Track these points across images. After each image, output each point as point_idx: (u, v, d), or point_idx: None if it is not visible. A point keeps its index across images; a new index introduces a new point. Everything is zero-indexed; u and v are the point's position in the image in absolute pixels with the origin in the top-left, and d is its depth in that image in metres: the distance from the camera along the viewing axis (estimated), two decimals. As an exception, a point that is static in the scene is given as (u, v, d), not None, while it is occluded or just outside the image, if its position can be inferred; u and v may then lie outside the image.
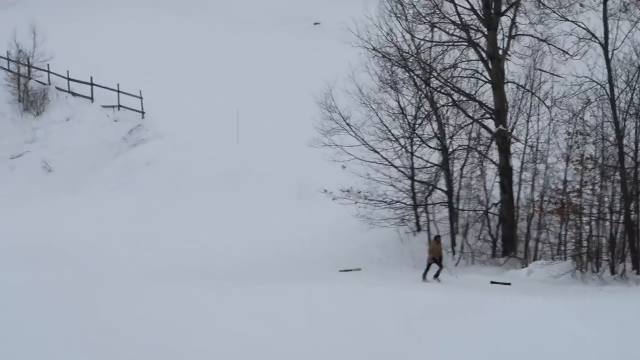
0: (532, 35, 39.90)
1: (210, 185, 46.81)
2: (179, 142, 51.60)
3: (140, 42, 63.15)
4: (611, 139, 34.91)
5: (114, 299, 23.79)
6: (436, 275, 31.53)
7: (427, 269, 31.89)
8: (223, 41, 63.59)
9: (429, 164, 40.99)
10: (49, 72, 58.29)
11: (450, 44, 41.08)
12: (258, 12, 71.50)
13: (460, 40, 40.73)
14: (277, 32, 67.00)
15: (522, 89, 39.52)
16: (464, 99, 40.27)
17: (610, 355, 16.26)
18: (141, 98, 56.07)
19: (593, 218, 34.51)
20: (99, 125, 55.14)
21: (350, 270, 35.40)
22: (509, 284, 30.65)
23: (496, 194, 39.68)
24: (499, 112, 38.74)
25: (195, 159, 49.53)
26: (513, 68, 40.44)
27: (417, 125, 41.06)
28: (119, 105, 57.10)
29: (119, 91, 56.47)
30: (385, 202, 39.85)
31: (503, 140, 38.46)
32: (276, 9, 72.07)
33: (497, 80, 38.93)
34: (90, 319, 21.90)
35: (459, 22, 40.00)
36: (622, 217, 33.56)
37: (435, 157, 41.22)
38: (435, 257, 32.03)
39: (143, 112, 56.48)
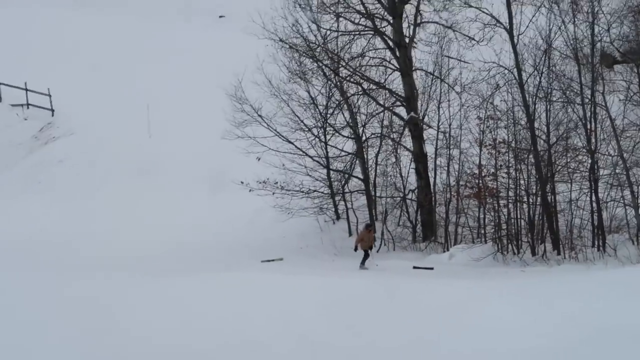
0: (437, 23, 38.43)
1: (124, 181, 44.85)
2: (90, 138, 49.29)
3: (44, 39, 60.79)
4: (522, 122, 33.72)
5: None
6: (362, 263, 29.55)
7: (365, 257, 29.58)
8: (128, 35, 61.37)
9: (343, 153, 39.40)
10: (-46, 72, 54.68)
11: (357, 33, 39.43)
12: (160, 6, 68.89)
13: (367, 29, 39.09)
14: (182, 25, 64.86)
15: (431, 76, 38.32)
16: (374, 87, 38.82)
17: (532, 333, 14.93)
18: (50, 96, 53.26)
19: (510, 201, 33.39)
20: (8, 125, 52.23)
21: (272, 260, 33.41)
22: (431, 268, 29.11)
23: (412, 180, 38.58)
24: (410, 99, 37.43)
25: (108, 155, 47.42)
26: (420, 55, 39.15)
27: (329, 115, 39.41)
28: (28, 104, 54.06)
29: (27, 90, 53.36)
30: (303, 191, 38.32)
31: (415, 127, 37.20)
32: (179, 2, 69.58)
33: (406, 68, 37.53)
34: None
35: (364, 12, 38.29)
36: (539, 199, 32.37)
37: (350, 146, 39.65)
38: (365, 246, 29.98)
39: (53, 110, 53.70)
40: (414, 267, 29.49)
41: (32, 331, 16.71)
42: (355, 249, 29.70)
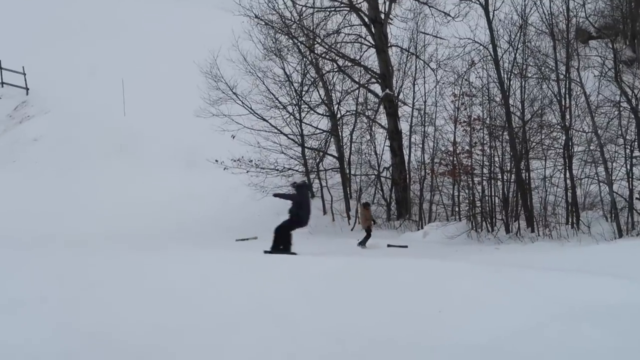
0: (412, -2, 37.76)
1: (99, 159, 44.14)
2: (65, 116, 48.48)
3: (16, 15, 59.70)
4: (497, 99, 33.21)
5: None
6: (361, 243, 29.19)
7: (368, 236, 29.52)
8: (101, 9, 60.41)
9: (318, 130, 38.93)
10: None
11: (332, 9, 38.86)
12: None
13: (342, 5, 38.53)
14: (156, 1, 63.79)
15: (407, 52, 37.78)
16: (349, 64, 38.26)
17: (507, 310, 14.31)
18: (24, 74, 52.31)
19: (485, 178, 32.89)
20: (-18, 104, 51.26)
21: (247, 239, 32.83)
22: (405, 246, 28.51)
23: (387, 157, 38.10)
24: (385, 76, 36.89)
25: (83, 133, 46.58)
26: (396, 32, 38.62)
27: (304, 92, 38.95)
28: (2, 82, 53.25)
29: (1, 68, 52.52)
30: (277, 170, 37.90)
31: (390, 104, 36.66)
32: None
33: (381, 45, 37.04)
34: None
35: (340, -12, 37.55)
36: (513, 176, 31.88)
37: (324, 124, 39.22)
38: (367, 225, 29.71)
39: (27, 88, 52.83)
40: (388, 246, 28.94)
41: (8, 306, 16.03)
42: (368, 231, 29.47)
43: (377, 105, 38.19)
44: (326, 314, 15.54)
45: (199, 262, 21.24)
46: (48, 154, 45.07)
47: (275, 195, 24.66)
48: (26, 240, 30.86)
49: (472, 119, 33.92)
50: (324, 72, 38.77)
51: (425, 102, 36.94)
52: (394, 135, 36.58)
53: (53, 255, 23.76)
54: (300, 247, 29.07)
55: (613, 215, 28.40)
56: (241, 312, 15.71)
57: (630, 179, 29.21)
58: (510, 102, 32.36)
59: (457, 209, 34.38)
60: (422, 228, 33.65)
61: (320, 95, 39.21)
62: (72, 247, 27.61)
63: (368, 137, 39.14)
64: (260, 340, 13.54)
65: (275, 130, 38.25)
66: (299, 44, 38.43)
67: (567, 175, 30.53)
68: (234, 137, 37.25)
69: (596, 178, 30.47)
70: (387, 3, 37.96)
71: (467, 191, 33.72)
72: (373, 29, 37.28)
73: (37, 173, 42.95)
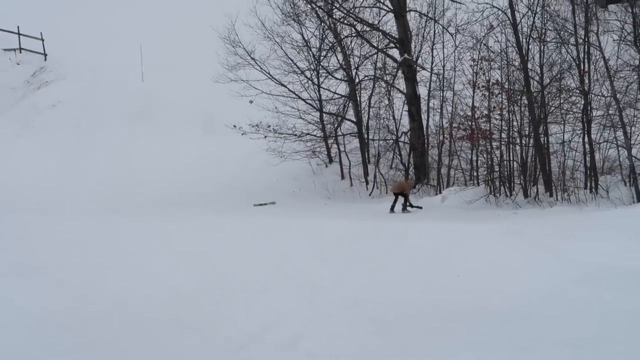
0: (432, -38, 37.44)
1: (117, 124, 44.33)
2: (83, 82, 48.66)
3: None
4: (516, 63, 32.95)
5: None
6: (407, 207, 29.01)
7: (407, 202, 29.15)
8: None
9: (336, 95, 38.96)
10: (-54, 16, 53.66)
11: (351, -26, 38.38)
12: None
13: (361, -30, 38.03)
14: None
15: (425, 17, 37.44)
16: (368, 29, 37.90)
17: (525, 274, 14.47)
18: (42, 40, 52.33)
19: (503, 143, 32.69)
20: (1, 69, 51.32)
21: (265, 204, 33.11)
22: (420, 207, 28.88)
23: (405, 122, 37.98)
24: (403, 41, 36.52)
25: (100, 98, 46.80)
26: (414, -4, 38.13)
27: (322, 57, 38.91)
28: (21, 48, 53.10)
29: (19, 34, 52.41)
30: (295, 134, 38.05)
31: (409, 69, 36.42)
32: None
33: (399, 9, 36.65)
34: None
35: (358, -49, 37.34)
36: (531, 140, 31.72)
37: (343, 89, 39.19)
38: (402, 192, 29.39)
39: (45, 54, 52.80)
40: (406, 208, 28.91)
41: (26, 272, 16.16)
42: (406, 197, 29.19)
43: (395, 70, 37.98)
44: (344, 279, 15.68)
45: (218, 229, 21.53)
46: (66, 120, 45.25)
47: None
48: (45, 206, 31.17)
49: (490, 83, 33.59)
50: (342, 37, 38.62)
51: (443, 66, 36.71)
52: (412, 100, 36.36)
53: (74, 220, 24.17)
54: (319, 211, 29.35)
55: (631, 179, 28.29)
56: (260, 278, 15.90)
57: (649, 143, 29.08)
58: (529, 66, 32.08)
59: (475, 174, 34.27)
60: (440, 193, 33.64)
61: (338, 60, 39.13)
62: (101, 213, 27.95)
63: (386, 102, 39.05)
64: (278, 306, 13.70)
65: (294, 95, 38.27)
66: (317, 8, 38.20)
67: (586, 139, 30.34)
68: (251, 102, 37.37)
69: (615, 142, 30.30)
70: (405, -32, 37.54)
71: (485, 156, 33.52)
72: (391, -7, 36.98)
73: (55, 139, 43.12)
